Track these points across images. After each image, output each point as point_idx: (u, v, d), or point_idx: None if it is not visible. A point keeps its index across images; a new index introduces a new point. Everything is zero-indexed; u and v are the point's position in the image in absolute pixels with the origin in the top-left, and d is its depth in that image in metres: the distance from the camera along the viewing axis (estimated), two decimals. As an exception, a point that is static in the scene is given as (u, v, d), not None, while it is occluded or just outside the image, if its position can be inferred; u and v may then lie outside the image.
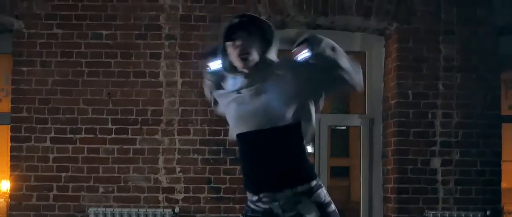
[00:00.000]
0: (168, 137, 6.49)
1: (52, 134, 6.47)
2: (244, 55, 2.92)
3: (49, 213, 6.44)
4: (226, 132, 6.39)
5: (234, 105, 3.00)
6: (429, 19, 6.76)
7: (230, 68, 3.01)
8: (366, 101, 7.18)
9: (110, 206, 6.42)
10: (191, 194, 6.51)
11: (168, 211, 6.37)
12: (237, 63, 2.96)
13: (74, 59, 6.53)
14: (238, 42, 2.92)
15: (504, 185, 7.06)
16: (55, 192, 6.47)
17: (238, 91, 2.98)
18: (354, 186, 8.24)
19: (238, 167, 6.44)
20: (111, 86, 6.53)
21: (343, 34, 7.06)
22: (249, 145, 2.95)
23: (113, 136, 6.48)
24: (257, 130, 2.88)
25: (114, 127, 6.42)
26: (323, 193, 2.91)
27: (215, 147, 6.48)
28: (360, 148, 7.16)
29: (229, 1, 6.61)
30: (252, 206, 2.98)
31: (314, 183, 2.90)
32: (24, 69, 6.49)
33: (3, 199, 7.92)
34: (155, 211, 6.36)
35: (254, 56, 2.93)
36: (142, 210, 6.36)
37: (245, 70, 2.95)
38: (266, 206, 2.92)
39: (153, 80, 6.53)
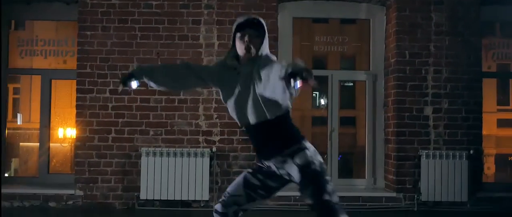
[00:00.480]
0: (207, 89, 7.36)
1: (111, 87, 7.45)
2: (248, 47, 3.43)
3: (108, 152, 7.44)
4: (255, 85, 7.42)
5: (231, 103, 3.52)
6: (423, -9, 7.60)
7: (234, 57, 3.52)
8: (371, 60, 8.07)
9: (159, 146, 7.36)
10: (226, 137, 7.48)
11: (207, 150, 7.30)
12: (241, 53, 3.48)
13: (129, 25, 7.50)
14: (246, 37, 3.44)
15: (484, 131, 7.84)
16: (113, 134, 7.46)
17: (233, 89, 3.47)
18: (360, 133, 9.01)
19: None
20: (159, 47, 7.46)
21: (351, 4, 7.97)
22: (247, 130, 3.58)
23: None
24: (249, 123, 3.47)
25: (162, 81, 7.33)
26: (305, 154, 3.40)
27: None
28: (365, 99, 8.08)
29: (256, -22, 7.49)
30: (259, 163, 3.63)
31: (296, 147, 3.43)
32: (88, 33, 7.49)
33: (67, 144, 8.83)
34: (196, 150, 7.29)
35: (254, 50, 3.44)
36: (185, 150, 7.29)
37: (246, 59, 3.46)
38: (267, 164, 3.56)
39: (194, 42, 7.47)
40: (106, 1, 7.50)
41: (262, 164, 3.59)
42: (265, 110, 3.39)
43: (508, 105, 13.72)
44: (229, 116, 7.05)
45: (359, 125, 9.09)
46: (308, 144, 3.48)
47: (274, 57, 3.53)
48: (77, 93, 7.53)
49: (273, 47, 7.49)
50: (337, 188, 7.47)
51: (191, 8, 7.53)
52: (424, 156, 7.43)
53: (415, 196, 7.47)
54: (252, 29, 3.46)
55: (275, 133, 3.44)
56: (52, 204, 7.46)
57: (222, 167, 7.50)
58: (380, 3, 7.99)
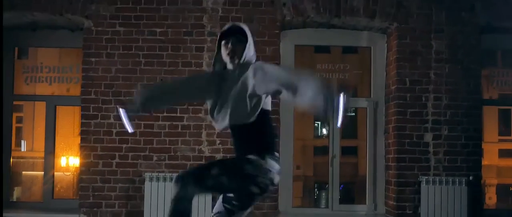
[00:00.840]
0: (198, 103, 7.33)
1: (115, 113, 7.40)
2: (232, 54, 3.57)
3: (112, 177, 7.50)
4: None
5: (218, 108, 3.64)
6: (423, 20, 7.66)
7: (220, 63, 3.67)
8: (371, 87, 8.17)
9: (162, 171, 7.41)
10: (222, 154, 7.48)
11: None
12: (226, 60, 3.62)
13: (133, 51, 7.59)
14: (229, 44, 3.58)
15: (486, 161, 7.91)
16: (117, 160, 7.52)
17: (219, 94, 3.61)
18: (361, 163, 9.07)
19: None
20: (163, 74, 7.53)
21: (352, 32, 8.08)
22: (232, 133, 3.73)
23: (165, 114, 7.45)
24: (230, 124, 3.62)
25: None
26: (252, 167, 3.48)
27: None
28: (366, 125, 8.18)
29: (260, 4, 7.63)
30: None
31: (251, 157, 3.53)
32: (93, 60, 7.59)
33: (70, 173, 8.84)
34: None
35: (238, 57, 3.56)
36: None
37: (231, 66, 3.59)
38: None
39: (197, 69, 7.53)
40: (110, 28, 7.60)
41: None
42: (245, 114, 3.51)
43: (510, 135, 13.80)
44: (228, 134, 7.34)
45: (360, 155, 9.13)
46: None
47: (255, 63, 3.61)
48: (82, 119, 7.62)
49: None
50: (338, 214, 7.62)
51: (194, 36, 7.62)
52: (424, 182, 7.46)
53: (416, 222, 7.50)
54: (234, 37, 3.58)
55: (246, 137, 3.59)
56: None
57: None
58: (381, 31, 8.08)
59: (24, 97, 8.60)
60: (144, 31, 7.63)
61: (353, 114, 9.87)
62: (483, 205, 7.84)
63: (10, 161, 8.19)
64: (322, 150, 8.90)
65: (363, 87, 8.58)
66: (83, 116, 7.60)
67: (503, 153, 12.33)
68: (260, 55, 7.51)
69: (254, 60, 3.66)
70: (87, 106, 7.59)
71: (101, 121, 7.57)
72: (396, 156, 7.64)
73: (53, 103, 8.16)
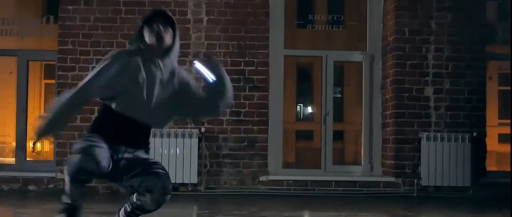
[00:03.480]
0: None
1: (94, 64, 6.94)
2: (160, 37, 3.30)
3: None
4: (246, 63, 7.23)
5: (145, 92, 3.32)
6: (423, -34, 7.28)
7: (145, 49, 3.34)
8: (367, 40, 7.73)
9: None
10: (215, 117, 7.05)
11: (195, 131, 6.99)
12: (152, 42, 3.31)
13: None
14: (158, 26, 3.30)
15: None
16: (96, 114, 7.14)
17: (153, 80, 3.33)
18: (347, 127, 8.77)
19: (256, 94, 7.20)
20: None
21: None
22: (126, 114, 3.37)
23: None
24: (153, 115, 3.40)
25: (147, 58, 7.08)
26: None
27: (236, 76, 7.06)
28: (362, 80, 7.76)
29: None
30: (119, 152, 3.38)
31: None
32: (69, 7, 7.17)
33: None
34: (184, 131, 7.00)
35: (167, 40, 3.33)
36: (172, 130, 6.96)
37: (160, 49, 3.33)
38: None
39: (182, 17, 7.12)
40: (89, -26, 7.19)
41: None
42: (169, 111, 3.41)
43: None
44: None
45: (348, 120, 8.74)
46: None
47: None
48: (57, 71, 7.22)
49: (265, 23, 7.24)
50: (332, 175, 7.21)
51: (178, -18, 7.20)
52: (425, 139, 7.09)
53: (415, 181, 7.13)
54: (162, 21, 3.35)
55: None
56: (31, 187, 7.14)
57: (211, 149, 7.17)
58: (377, -21, 7.68)
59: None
60: (125, -23, 7.21)
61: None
62: (485, 164, 7.37)
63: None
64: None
65: (358, 40, 8.17)
66: (59, 68, 7.21)
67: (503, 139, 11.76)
68: (249, 2, 7.18)
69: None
70: (63, 58, 7.20)
71: (79, 73, 7.12)
72: (394, 111, 7.24)
73: (25, 58, 7.70)
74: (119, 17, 7.20)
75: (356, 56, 7.91)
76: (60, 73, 7.19)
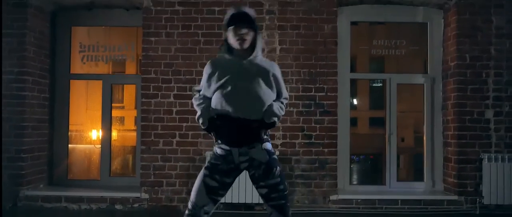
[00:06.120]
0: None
1: (175, 92, 7.57)
2: (242, 40, 3.49)
3: (173, 156, 7.57)
4: (317, 89, 7.58)
5: (229, 93, 3.61)
6: (482, -5, 7.61)
7: (227, 50, 3.56)
8: (428, 63, 8.11)
9: None
10: (288, 140, 7.58)
11: None
12: (235, 45, 3.53)
13: (192, 31, 7.62)
14: (240, 30, 3.48)
15: None
16: (177, 139, 7.58)
17: (234, 80, 3.55)
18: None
19: (326, 118, 7.59)
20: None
21: (408, 8, 8.02)
22: (222, 120, 3.73)
23: (224, 93, 7.46)
24: (242, 115, 3.64)
25: (225, 85, 7.42)
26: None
27: (307, 102, 7.52)
28: (423, 101, 8.13)
29: (318, -18, 7.59)
30: (220, 152, 3.73)
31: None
32: (152, 39, 7.62)
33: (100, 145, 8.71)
34: None
35: (249, 41, 3.50)
36: None
37: (241, 50, 3.52)
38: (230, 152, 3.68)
39: None
40: (169, 7, 7.62)
41: (222, 153, 3.64)
42: (261, 105, 3.57)
43: None
44: (292, 120, 7.50)
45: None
46: None
47: (269, 63, 3.70)
48: (142, 98, 7.66)
49: (334, 52, 7.61)
50: (396, 192, 7.59)
51: (253, 14, 7.57)
52: (486, 159, 7.44)
53: (477, 199, 7.49)
54: (244, 22, 3.50)
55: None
56: (118, 206, 7.63)
57: (284, 170, 7.55)
58: (437, 7, 8.02)
59: (81, 76, 8.58)
60: (203, 10, 7.64)
61: (380, 84, 9.74)
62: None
63: (68, 137, 8.33)
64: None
65: (419, 63, 8.52)
66: (143, 95, 7.64)
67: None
68: (318, 32, 7.54)
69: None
70: (147, 85, 7.63)
71: (161, 100, 7.60)
72: (456, 133, 7.61)
73: (109, 82, 8.23)
74: (198, 47, 7.60)
75: (418, 79, 8.23)
76: (144, 100, 7.63)
